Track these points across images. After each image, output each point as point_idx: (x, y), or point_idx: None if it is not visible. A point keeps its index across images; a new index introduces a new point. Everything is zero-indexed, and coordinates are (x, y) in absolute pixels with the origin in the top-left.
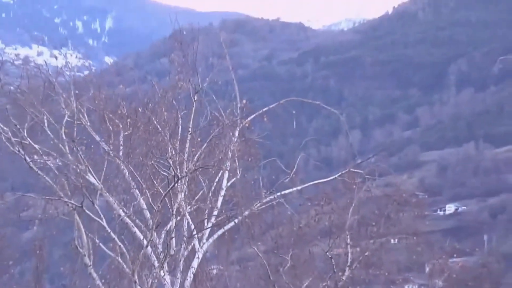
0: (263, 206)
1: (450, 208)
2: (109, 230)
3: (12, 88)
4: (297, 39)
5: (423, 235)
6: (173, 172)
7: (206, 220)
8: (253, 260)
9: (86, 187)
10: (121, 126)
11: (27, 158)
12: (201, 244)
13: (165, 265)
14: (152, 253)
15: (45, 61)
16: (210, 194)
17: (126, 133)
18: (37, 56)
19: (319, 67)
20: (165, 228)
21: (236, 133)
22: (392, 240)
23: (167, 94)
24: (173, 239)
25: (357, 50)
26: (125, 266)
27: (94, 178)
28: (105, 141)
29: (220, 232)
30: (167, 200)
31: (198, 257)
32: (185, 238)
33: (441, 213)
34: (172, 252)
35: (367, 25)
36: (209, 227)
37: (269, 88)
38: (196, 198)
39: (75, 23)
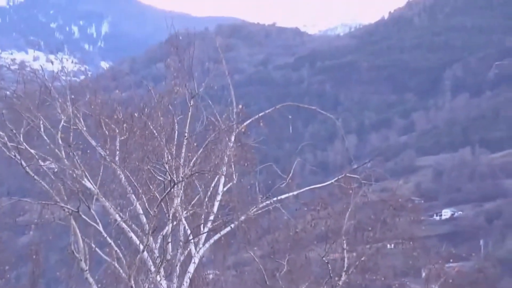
0: (259, 211)
1: (446, 213)
2: (105, 235)
3: (8, 93)
4: (293, 44)
5: (419, 240)
6: (169, 177)
7: (202, 225)
8: (249, 265)
9: (83, 192)
10: (117, 131)
11: (23, 163)
12: (198, 249)
13: (162, 270)
14: (149, 258)
15: (41, 66)
16: (206, 199)
17: (122, 138)
18: (33, 61)
19: (315, 72)
20: (161, 233)
21: (232, 138)
22: (388, 245)
23: (163, 99)
24: (170, 244)
25: (353, 55)
26: (121, 271)
27: (91, 183)
28: (101, 146)
29: (216, 237)
30: (163, 205)
31: (194, 262)
32: (181, 243)
33: (437, 218)
34: (168, 257)
35: (363, 30)
36: (205, 232)
37: (265, 93)
38: (192, 203)
39: (71, 28)
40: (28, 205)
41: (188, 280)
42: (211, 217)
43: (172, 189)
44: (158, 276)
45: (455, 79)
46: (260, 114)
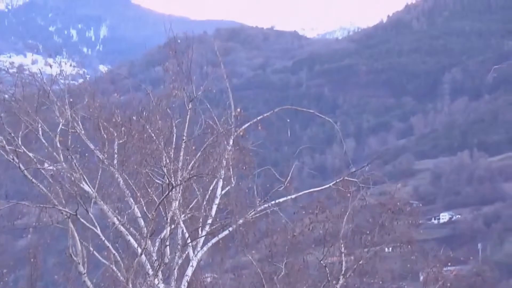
0: (257, 215)
1: (445, 216)
2: (103, 238)
3: (6, 96)
4: (291, 48)
5: (417, 244)
6: (167, 180)
7: (200, 228)
8: (247, 268)
9: (81, 195)
10: (115, 134)
11: (22, 166)
12: (195, 252)
13: (159, 273)
14: (147, 261)
15: (39, 69)
16: (205, 203)
17: (121, 141)
18: (31, 64)
19: (314, 75)
20: (159, 236)
21: (231, 142)
22: (386, 249)
23: (162, 102)
24: (167, 247)
25: (352, 59)
26: (119, 274)
27: (89, 186)
28: (99, 149)
29: (214, 240)
30: (161, 208)
31: (192, 265)
32: (179, 246)
33: (436, 221)
34: (166, 260)
35: (362, 34)
36: (203, 235)
37: (263, 97)
38: (190, 206)
39: (70, 31)
40: (26, 208)
41: (186, 284)
42: (209, 221)
43: (170, 193)
44: (156, 280)
45: (454, 82)
46: (258, 118)
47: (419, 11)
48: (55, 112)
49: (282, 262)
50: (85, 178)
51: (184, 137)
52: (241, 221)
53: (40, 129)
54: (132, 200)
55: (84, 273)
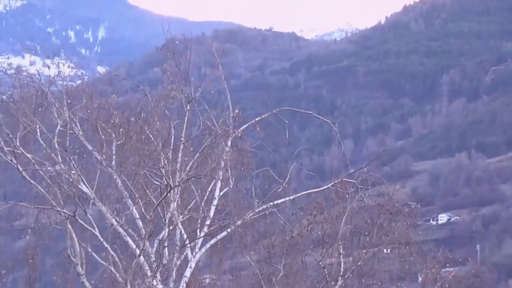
0: (255, 216)
1: (443, 217)
2: (101, 239)
3: (4, 97)
4: (289, 49)
5: (415, 245)
6: (165, 181)
7: (198, 229)
8: (245, 270)
9: (79, 196)
10: (113, 135)
11: (20, 167)
12: (194, 254)
13: (158, 275)
14: (145, 262)
15: (37, 70)
16: (203, 204)
17: (119, 142)
18: (29, 65)
19: (312, 76)
20: (157, 238)
21: (229, 143)
22: (384, 250)
23: (160, 103)
24: (166, 248)
25: (350, 60)
26: (117, 275)
27: (87, 187)
28: (97, 151)
29: (212, 241)
30: (159, 210)
31: (190, 267)
32: (177, 248)
33: (434, 222)
34: (164, 262)
35: (360, 35)
36: (201, 237)
37: (261, 98)
38: (188, 207)
39: (68, 32)
40: (24, 209)
41: (184, 285)
42: (208, 222)
43: (169, 194)
44: (154, 281)
45: (452, 84)
46: (256, 119)
47: (417, 13)
48: (53, 113)
49: (281, 263)
50: (84, 179)
51: (182, 138)
52: (239, 222)
53: (38, 130)
54: (130, 201)
55: (83, 274)
